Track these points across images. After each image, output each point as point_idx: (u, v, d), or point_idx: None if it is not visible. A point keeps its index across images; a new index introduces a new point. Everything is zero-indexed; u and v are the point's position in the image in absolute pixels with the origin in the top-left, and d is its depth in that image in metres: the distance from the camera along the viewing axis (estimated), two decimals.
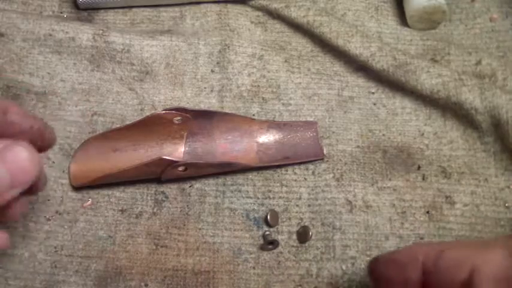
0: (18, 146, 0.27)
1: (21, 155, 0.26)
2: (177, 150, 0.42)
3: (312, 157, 0.42)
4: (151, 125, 0.41)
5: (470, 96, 0.42)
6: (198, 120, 0.41)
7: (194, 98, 0.45)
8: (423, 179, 0.42)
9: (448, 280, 0.27)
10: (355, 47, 0.45)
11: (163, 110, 0.40)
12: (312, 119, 0.44)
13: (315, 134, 0.43)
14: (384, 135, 0.44)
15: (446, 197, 0.42)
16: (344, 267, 0.40)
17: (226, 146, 0.42)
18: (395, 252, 0.34)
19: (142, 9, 0.49)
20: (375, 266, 0.32)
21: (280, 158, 0.42)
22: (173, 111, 0.40)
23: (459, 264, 0.27)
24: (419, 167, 0.43)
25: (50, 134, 0.32)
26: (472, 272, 0.26)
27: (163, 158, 0.38)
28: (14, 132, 0.28)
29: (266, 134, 0.43)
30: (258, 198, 0.42)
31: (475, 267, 0.26)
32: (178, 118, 0.41)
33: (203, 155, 0.42)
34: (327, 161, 0.43)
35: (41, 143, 0.30)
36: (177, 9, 0.49)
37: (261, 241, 0.40)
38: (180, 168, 0.39)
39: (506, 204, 0.41)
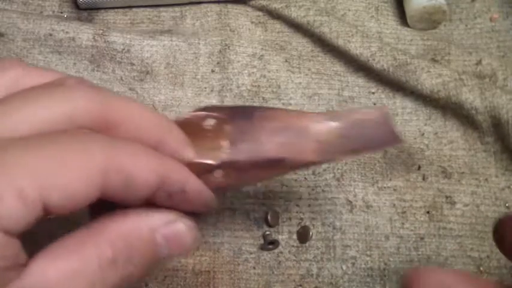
0: (180, 223, 0.25)
1: (183, 233, 0.25)
2: (214, 160, 0.32)
3: (387, 144, 0.34)
4: None
5: (471, 96, 0.42)
6: (235, 122, 0.31)
7: (194, 98, 0.45)
8: (423, 179, 0.42)
9: None
10: (355, 47, 0.45)
11: (190, 113, 0.32)
12: None
13: (385, 118, 0.32)
14: None
15: (447, 197, 0.42)
16: (344, 267, 0.40)
17: (278, 150, 0.31)
18: None
19: (142, 9, 0.49)
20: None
21: (347, 151, 0.33)
22: (203, 113, 0.31)
23: None
24: (419, 167, 0.43)
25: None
26: None
27: (195, 161, 0.29)
28: (183, 207, 0.26)
29: (325, 127, 0.32)
30: (258, 198, 0.42)
31: None
32: (211, 122, 0.31)
33: (248, 164, 0.31)
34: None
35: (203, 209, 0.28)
36: (177, 9, 0.49)
37: (261, 241, 0.40)
38: (218, 174, 0.31)
39: (507, 205, 0.41)
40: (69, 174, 0.21)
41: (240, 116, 0.32)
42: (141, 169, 0.23)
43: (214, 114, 0.31)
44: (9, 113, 0.22)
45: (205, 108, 0.31)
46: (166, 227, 0.24)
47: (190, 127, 0.30)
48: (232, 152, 0.30)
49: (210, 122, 0.31)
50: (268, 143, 0.31)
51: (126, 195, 0.23)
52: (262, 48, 0.47)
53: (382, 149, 0.36)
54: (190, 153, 0.27)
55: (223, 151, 0.30)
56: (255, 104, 0.45)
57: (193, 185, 0.26)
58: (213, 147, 0.30)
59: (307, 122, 0.32)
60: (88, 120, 0.23)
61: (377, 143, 0.33)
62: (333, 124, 0.32)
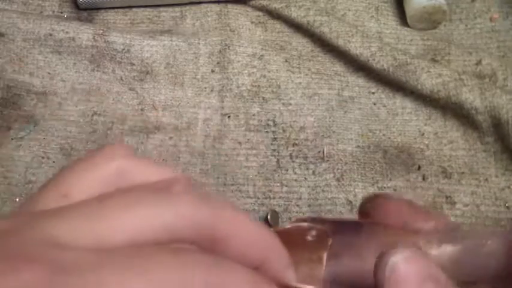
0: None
1: None
2: (314, 278, 0.30)
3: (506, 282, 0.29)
4: None
5: (471, 96, 0.42)
6: (340, 235, 0.30)
7: (194, 98, 0.45)
8: (423, 179, 0.42)
9: None
10: (356, 47, 0.45)
11: (292, 223, 0.31)
12: (312, 119, 0.44)
13: (508, 249, 0.28)
14: (384, 135, 0.44)
15: (447, 197, 0.42)
16: None
17: None
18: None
19: (142, 9, 0.49)
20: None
21: (458, 281, 0.28)
22: (304, 224, 0.30)
23: None
24: (419, 167, 0.43)
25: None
26: None
27: (295, 286, 0.28)
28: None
29: (437, 250, 0.29)
30: (258, 198, 0.42)
31: None
32: (313, 233, 0.30)
33: (350, 283, 0.29)
34: (327, 160, 0.43)
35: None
36: (177, 9, 0.49)
37: None
38: None
39: (507, 204, 0.41)
40: None
41: (346, 229, 0.30)
42: None
43: (318, 226, 0.29)
44: (106, 216, 0.20)
45: (308, 219, 0.30)
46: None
47: (291, 238, 0.29)
48: (332, 266, 0.28)
49: (312, 233, 0.29)
50: (371, 261, 0.27)
51: None
52: (262, 48, 0.47)
53: (501, 283, 0.29)
54: (291, 276, 0.25)
55: (323, 264, 0.28)
56: (254, 104, 0.45)
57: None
58: (313, 259, 0.28)
59: (418, 240, 0.29)
60: (193, 233, 0.21)
61: (495, 277, 0.28)
62: (446, 246, 0.28)
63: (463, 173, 0.43)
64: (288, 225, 0.30)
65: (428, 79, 0.43)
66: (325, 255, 0.28)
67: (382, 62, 0.44)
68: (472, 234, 0.28)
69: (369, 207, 0.30)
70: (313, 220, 0.29)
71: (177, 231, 0.21)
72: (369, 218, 0.29)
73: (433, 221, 0.29)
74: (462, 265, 0.28)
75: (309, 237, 0.29)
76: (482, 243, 0.28)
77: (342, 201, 0.41)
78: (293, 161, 0.43)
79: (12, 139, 0.43)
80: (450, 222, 0.30)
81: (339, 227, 0.30)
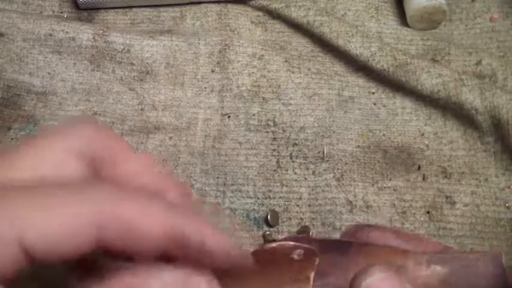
0: (197, 278, 0.23)
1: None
2: None
3: None
4: (265, 264, 0.29)
5: (471, 96, 0.42)
6: (328, 253, 0.29)
7: (194, 98, 0.45)
8: (423, 179, 0.42)
9: None
10: (356, 47, 0.45)
11: (278, 242, 0.30)
12: (312, 119, 0.44)
13: (499, 271, 0.27)
14: (384, 135, 0.44)
15: (447, 197, 0.42)
16: None
17: None
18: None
19: (142, 9, 0.49)
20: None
21: None
22: (290, 243, 0.29)
23: None
24: (419, 167, 0.43)
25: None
26: None
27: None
28: (206, 263, 0.24)
29: (426, 271, 0.28)
30: (258, 198, 0.42)
31: None
32: (299, 252, 0.29)
33: None
34: (327, 160, 0.43)
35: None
36: (177, 9, 0.49)
37: (261, 241, 0.40)
38: None
39: (507, 205, 0.41)
40: (52, 219, 0.20)
41: (334, 249, 0.29)
42: (145, 221, 0.21)
43: (304, 245, 0.29)
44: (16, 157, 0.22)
45: (293, 238, 0.30)
46: (180, 284, 0.23)
47: (277, 257, 0.29)
48: (319, 286, 0.28)
49: (298, 252, 0.29)
50: None
51: (130, 248, 0.21)
52: (262, 48, 0.47)
53: None
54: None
55: (310, 284, 0.28)
56: (254, 104, 0.45)
57: (214, 240, 0.23)
58: (300, 278, 0.28)
59: (407, 260, 0.28)
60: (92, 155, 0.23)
61: None
62: (435, 268, 0.28)
63: (463, 173, 0.43)
64: (273, 244, 0.29)
65: (428, 79, 0.43)
66: (312, 275, 0.28)
67: (382, 62, 0.44)
68: (461, 255, 0.28)
69: (354, 234, 0.30)
70: (299, 239, 0.29)
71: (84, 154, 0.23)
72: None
73: (423, 246, 0.29)
74: (451, 286, 0.27)
75: (295, 256, 0.28)
76: (472, 264, 0.27)
77: (342, 201, 0.41)
78: (293, 161, 0.43)
79: (12, 139, 0.43)
80: (443, 246, 0.30)
81: (327, 246, 0.30)
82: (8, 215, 0.20)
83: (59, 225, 0.20)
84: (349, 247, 0.29)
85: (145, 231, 0.21)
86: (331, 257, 0.29)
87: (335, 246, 0.29)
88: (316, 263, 0.28)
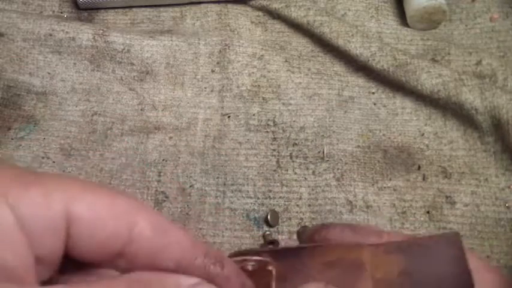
0: (206, 285, 0.24)
1: None
2: None
3: (456, 284, 0.26)
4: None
5: (471, 96, 0.42)
6: (283, 261, 0.29)
7: (194, 98, 0.45)
8: (423, 179, 0.42)
9: None
10: (356, 47, 0.45)
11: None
12: (312, 119, 0.44)
13: (458, 252, 0.26)
14: (384, 135, 0.44)
15: (447, 197, 0.42)
16: None
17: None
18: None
19: (142, 9, 0.49)
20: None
21: None
22: (237, 258, 0.29)
23: None
24: (419, 167, 0.43)
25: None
26: None
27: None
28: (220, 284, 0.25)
29: (384, 263, 0.27)
30: (258, 198, 0.42)
31: None
32: (252, 262, 0.29)
33: None
34: (327, 160, 0.43)
35: None
36: (177, 9, 0.49)
37: (261, 241, 0.40)
38: None
39: (507, 204, 0.41)
40: (98, 199, 0.21)
41: (286, 256, 0.29)
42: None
43: (253, 258, 0.29)
44: None
45: (242, 253, 0.30)
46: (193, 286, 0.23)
47: None
48: None
49: (250, 263, 0.29)
50: (321, 279, 0.27)
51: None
52: (262, 48, 0.47)
53: None
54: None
55: None
56: (254, 104, 0.45)
57: (230, 263, 0.25)
58: (261, 286, 0.28)
59: (363, 254, 0.27)
60: None
61: (446, 284, 0.26)
62: (393, 258, 0.27)
63: (463, 173, 0.43)
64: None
65: (428, 79, 0.43)
66: (273, 283, 0.28)
67: (382, 62, 0.44)
68: (418, 240, 0.27)
69: (312, 237, 0.31)
70: (247, 253, 0.29)
71: None
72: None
73: (385, 237, 0.29)
74: (412, 277, 0.26)
75: (249, 267, 0.29)
76: (430, 247, 0.26)
77: (342, 201, 0.41)
78: (293, 161, 0.43)
79: (12, 139, 0.43)
80: (404, 235, 0.29)
81: (282, 253, 0.29)
82: (59, 188, 0.21)
83: (103, 204, 0.21)
84: (301, 251, 0.29)
85: (175, 241, 0.22)
86: (288, 263, 0.29)
87: (288, 253, 0.29)
88: (274, 271, 0.28)
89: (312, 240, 0.31)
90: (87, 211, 0.21)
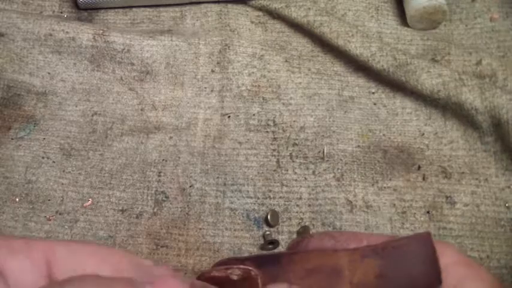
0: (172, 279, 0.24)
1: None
2: None
3: (425, 286, 0.28)
4: None
5: (471, 96, 0.42)
6: (263, 269, 0.30)
7: (194, 98, 0.45)
8: (423, 179, 0.42)
9: None
10: (356, 47, 0.45)
11: (214, 268, 0.30)
12: (312, 119, 0.44)
13: (428, 251, 0.27)
14: (384, 135, 0.44)
15: (447, 197, 0.42)
16: None
17: None
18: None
19: (142, 9, 0.49)
20: None
21: None
22: (221, 267, 0.30)
23: None
24: (419, 167, 0.43)
25: None
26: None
27: None
28: None
29: (361, 268, 0.28)
30: (258, 198, 0.42)
31: None
32: (236, 271, 0.30)
33: None
34: (327, 160, 0.43)
35: None
36: (177, 9, 0.49)
37: (262, 241, 0.40)
38: None
39: (507, 204, 0.41)
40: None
41: (267, 263, 0.30)
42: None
43: (237, 267, 0.29)
44: None
45: (223, 262, 0.31)
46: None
47: (219, 281, 0.29)
48: None
49: (235, 272, 0.29)
50: (300, 286, 0.28)
51: None
52: (262, 48, 0.47)
53: None
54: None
55: None
56: (255, 104, 0.45)
57: None
58: None
59: (340, 260, 0.28)
60: None
61: (420, 282, 0.27)
62: (369, 262, 0.28)
63: (463, 173, 0.43)
64: (213, 272, 0.29)
65: (428, 79, 0.43)
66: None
67: (382, 62, 0.44)
68: (391, 242, 0.28)
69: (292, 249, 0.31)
70: (231, 261, 0.30)
71: None
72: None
73: (364, 242, 0.29)
74: (387, 278, 0.27)
75: (234, 276, 0.29)
76: (403, 249, 0.27)
77: (342, 201, 0.41)
78: (293, 161, 0.43)
79: (12, 139, 0.43)
80: (384, 237, 0.30)
81: (260, 261, 0.30)
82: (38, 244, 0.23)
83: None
84: (281, 257, 0.29)
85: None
86: (268, 270, 0.29)
87: (268, 260, 0.30)
88: (259, 278, 0.29)
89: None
90: (67, 252, 0.23)
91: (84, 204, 0.41)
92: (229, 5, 0.49)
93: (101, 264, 0.24)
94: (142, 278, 0.24)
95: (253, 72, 0.46)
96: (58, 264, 0.23)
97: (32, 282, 0.22)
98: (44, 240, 0.23)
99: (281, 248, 0.40)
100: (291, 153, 0.43)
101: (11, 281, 0.21)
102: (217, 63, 0.46)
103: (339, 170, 0.43)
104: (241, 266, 0.29)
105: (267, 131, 0.44)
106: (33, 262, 0.22)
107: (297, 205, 0.42)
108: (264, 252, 0.40)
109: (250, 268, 0.29)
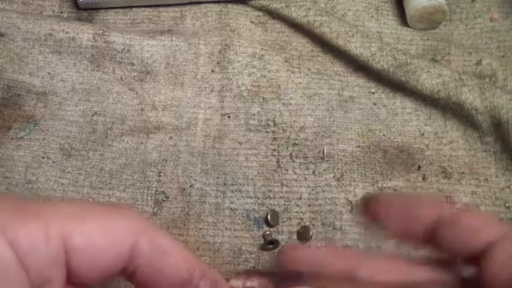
0: None
1: None
2: None
3: None
4: None
5: (471, 96, 0.42)
6: (282, 285, 0.30)
7: (194, 98, 0.45)
8: (423, 179, 0.42)
9: (460, 244, 0.25)
10: (356, 47, 0.45)
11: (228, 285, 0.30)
12: (312, 119, 0.44)
13: None
14: (384, 135, 0.44)
15: (447, 197, 0.42)
16: None
17: None
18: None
19: (142, 9, 0.49)
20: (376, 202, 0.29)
21: None
22: (238, 283, 0.30)
23: (476, 232, 0.24)
24: (419, 167, 0.43)
25: None
26: (490, 245, 0.24)
27: None
28: None
29: None
30: (258, 198, 0.42)
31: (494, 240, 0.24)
32: (255, 285, 0.30)
33: None
34: (327, 160, 0.43)
35: None
36: (177, 9, 0.49)
37: (262, 241, 0.40)
38: None
39: (507, 204, 0.41)
40: (95, 226, 0.21)
41: (287, 280, 0.29)
42: (177, 254, 0.23)
43: (255, 280, 0.30)
44: None
45: (244, 273, 0.31)
46: None
47: None
48: None
49: (253, 285, 0.30)
50: None
51: (153, 277, 0.23)
52: (262, 48, 0.47)
53: None
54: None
55: None
56: (255, 104, 0.45)
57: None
58: None
59: None
60: None
61: None
62: None
63: (463, 173, 0.43)
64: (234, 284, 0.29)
65: (428, 79, 0.43)
66: None
67: (382, 62, 0.44)
68: (413, 286, 0.27)
69: (370, 206, 0.30)
70: (248, 273, 0.30)
71: None
72: (370, 216, 0.29)
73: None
74: None
75: None
76: None
77: (342, 201, 0.41)
78: (293, 161, 0.43)
79: (12, 139, 0.43)
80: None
81: (280, 277, 0.30)
82: (57, 220, 0.21)
83: (102, 232, 0.21)
84: (302, 276, 0.29)
85: (173, 263, 0.23)
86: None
87: (290, 278, 0.29)
88: None
89: (368, 209, 0.30)
90: (85, 242, 0.21)
91: None
92: (229, 5, 0.49)
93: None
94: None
95: (253, 72, 0.46)
96: (74, 246, 0.21)
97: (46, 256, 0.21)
98: (61, 220, 0.21)
99: (281, 248, 0.40)
100: (291, 153, 0.43)
101: (23, 252, 0.20)
102: (217, 63, 0.46)
103: (339, 170, 0.43)
104: (259, 279, 0.29)
105: (267, 131, 0.44)
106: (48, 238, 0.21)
107: (297, 205, 0.42)
108: (265, 252, 0.40)
109: (268, 282, 0.29)
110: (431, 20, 0.47)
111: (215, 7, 0.49)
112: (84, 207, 0.22)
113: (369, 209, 0.29)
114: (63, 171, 0.42)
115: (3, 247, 0.19)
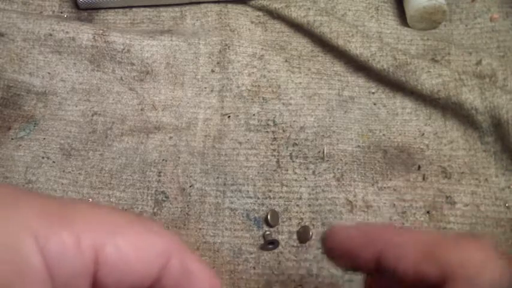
0: None
1: None
2: None
3: None
4: None
5: (471, 96, 0.42)
6: None
7: (194, 98, 0.45)
8: (423, 179, 0.42)
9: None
10: (356, 47, 0.45)
11: None
12: (312, 119, 0.44)
13: None
14: (384, 135, 0.44)
15: (447, 197, 0.42)
16: None
17: None
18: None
19: (142, 9, 0.49)
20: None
21: None
22: None
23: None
24: (419, 167, 0.43)
25: None
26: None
27: None
28: None
29: None
30: (258, 198, 0.42)
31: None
32: None
33: None
34: (327, 160, 0.43)
35: None
36: (177, 9, 0.49)
37: (261, 241, 0.40)
38: None
39: (507, 204, 0.41)
40: (129, 241, 0.21)
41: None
42: (205, 276, 0.23)
43: None
44: None
45: None
46: None
47: None
48: None
49: None
50: None
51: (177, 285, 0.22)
52: (262, 48, 0.47)
53: None
54: None
55: None
56: (255, 104, 0.45)
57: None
58: None
59: None
60: None
61: None
62: None
63: (463, 173, 0.43)
64: None
65: (428, 79, 0.43)
66: None
67: (382, 62, 0.44)
68: None
69: (325, 243, 0.30)
70: None
71: None
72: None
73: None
74: None
75: None
76: None
77: (342, 201, 0.41)
78: (293, 161, 0.43)
79: (12, 139, 0.43)
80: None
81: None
82: (89, 228, 0.20)
83: (133, 247, 0.21)
84: None
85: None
86: None
87: None
88: None
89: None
90: (117, 256, 0.20)
91: None
92: (229, 5, 0.49)
93: None
94: None
95: (253, 72, 0.46)
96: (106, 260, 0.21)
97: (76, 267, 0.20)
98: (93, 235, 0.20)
99: (281, 248, 0.40)
100: (291, 153, 0.43)
101: (52, 260, 0.19)
102: (217, 63, 0.46)
103: (339, 170, 0.43)
104: None
105: (267, 131, 0.44)
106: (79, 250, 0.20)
107: (297, 205, 0.42)
108: (265, 252, 0.40)
109: None
110: (431, 20, 0.47)
111: (215, 7, 0.49)
112: (117, 217, 0.21)
113: (325, 246, 0.29)
114: (63, 171, 0.42)
115: (33, 253, 0.19)
